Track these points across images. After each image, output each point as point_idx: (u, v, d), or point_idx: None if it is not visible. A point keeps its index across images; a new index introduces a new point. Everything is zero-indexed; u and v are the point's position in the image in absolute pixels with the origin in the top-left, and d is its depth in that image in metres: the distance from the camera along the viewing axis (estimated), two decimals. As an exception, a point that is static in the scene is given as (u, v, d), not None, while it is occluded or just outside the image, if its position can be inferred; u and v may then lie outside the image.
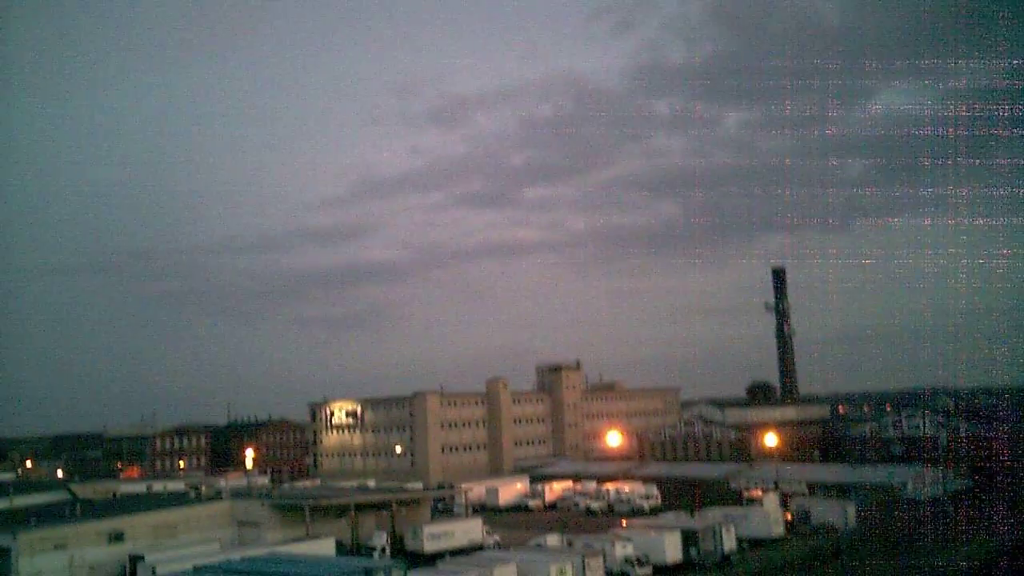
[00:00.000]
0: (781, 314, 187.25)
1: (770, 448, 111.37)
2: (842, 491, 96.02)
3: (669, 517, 72.55)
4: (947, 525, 75.58)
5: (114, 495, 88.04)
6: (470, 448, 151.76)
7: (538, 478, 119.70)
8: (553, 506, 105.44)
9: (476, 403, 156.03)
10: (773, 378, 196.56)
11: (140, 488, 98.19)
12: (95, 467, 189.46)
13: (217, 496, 77.97)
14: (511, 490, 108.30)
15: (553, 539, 63.71)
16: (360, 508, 71.90)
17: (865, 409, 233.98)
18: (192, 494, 79.52)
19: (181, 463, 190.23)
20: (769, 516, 71.23)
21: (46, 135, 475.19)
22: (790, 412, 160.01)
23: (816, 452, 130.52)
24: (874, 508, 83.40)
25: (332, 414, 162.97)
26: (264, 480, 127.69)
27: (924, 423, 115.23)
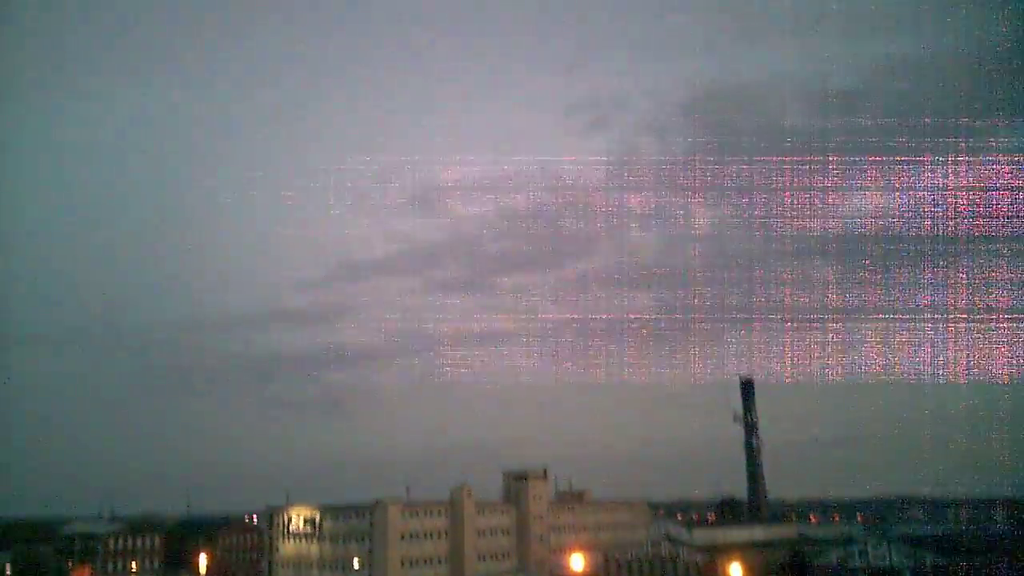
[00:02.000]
0: (749, 426, 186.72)
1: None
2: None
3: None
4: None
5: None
6: (431, 562, 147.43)
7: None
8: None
9: (439, 513, 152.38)
10: (741, 485, 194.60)
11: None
12: (46, 565, 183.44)
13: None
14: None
15: None
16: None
17: (834, 522, 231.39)
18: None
19: (134, 565, 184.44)
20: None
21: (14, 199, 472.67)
22: (758, 533, 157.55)
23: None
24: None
25: (290, 520, 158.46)
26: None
27: (890, 553, 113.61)
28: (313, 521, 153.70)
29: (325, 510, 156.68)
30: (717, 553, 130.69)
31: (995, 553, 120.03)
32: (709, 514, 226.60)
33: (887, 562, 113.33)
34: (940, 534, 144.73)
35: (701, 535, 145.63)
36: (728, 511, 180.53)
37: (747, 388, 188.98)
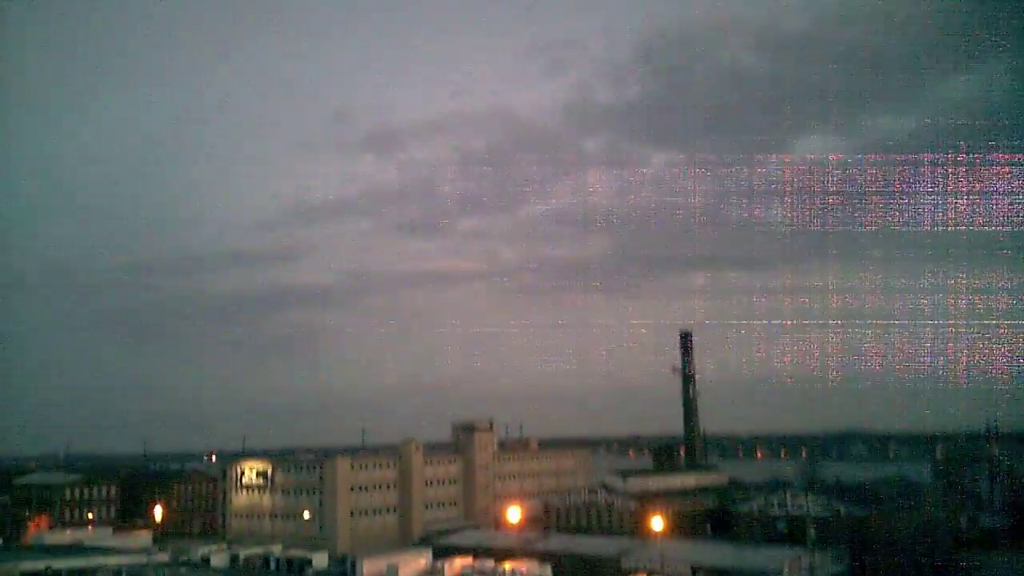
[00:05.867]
0: (687, 378, 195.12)
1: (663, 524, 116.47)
2: (722, 575, 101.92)
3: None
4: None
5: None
6: (380, 512, 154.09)
7: (442, 550, 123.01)
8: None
9: (388, 465, 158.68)
10: (682, 429, 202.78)
11: (41, 566, 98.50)
12: (2, 514, 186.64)
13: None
14: (411, 568, 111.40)
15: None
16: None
17: (762, 459, 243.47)
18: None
19: (90, 514, 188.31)
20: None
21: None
22: (690, 480, 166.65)
23: (708, 526, 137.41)
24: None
25: (243, 473, 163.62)
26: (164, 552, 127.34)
27: (808, 505, 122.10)
28: (265, 474, 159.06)
29: (277, 463, 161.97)
30: (648, 501, 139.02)
31: (905, 502, 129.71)
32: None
33: (805, 510, 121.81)
34: (861, 482, 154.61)
35: (635, 483, 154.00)
36: (666, 458, 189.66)
37: (686, 340, 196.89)
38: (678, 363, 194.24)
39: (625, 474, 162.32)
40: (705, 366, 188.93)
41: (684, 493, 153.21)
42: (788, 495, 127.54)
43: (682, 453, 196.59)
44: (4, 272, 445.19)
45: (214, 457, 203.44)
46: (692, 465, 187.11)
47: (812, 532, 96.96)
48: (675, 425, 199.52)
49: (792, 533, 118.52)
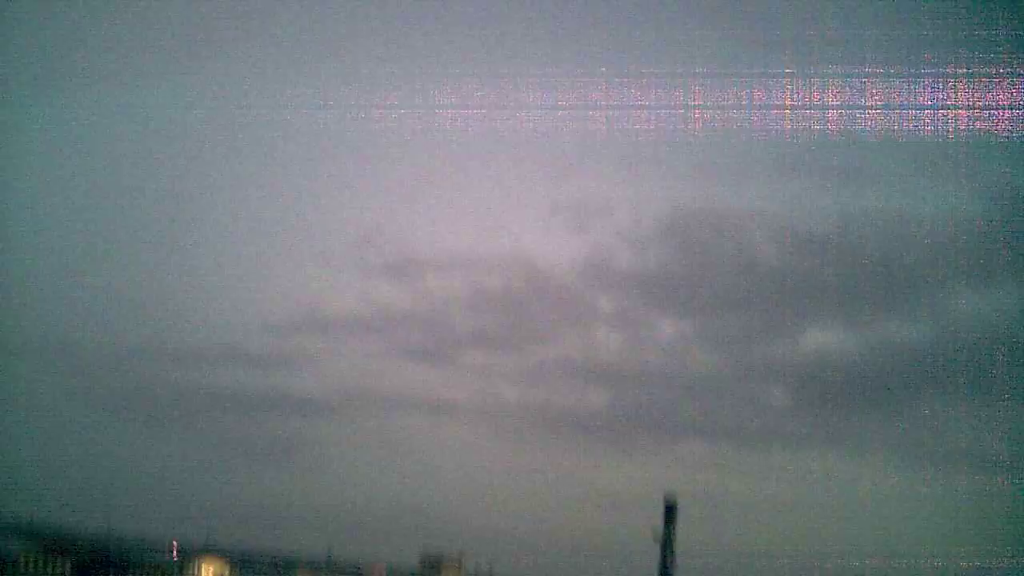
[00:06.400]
0: (667, 548, 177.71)
1: None
2: None
3: None
4: None
5: None
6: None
7: None
8: None
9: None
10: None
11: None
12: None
13: None
14: None
15: None
16: None
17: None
18: None
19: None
20: None
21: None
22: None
23: None
24: None
25: (199, 573, 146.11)
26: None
27: None
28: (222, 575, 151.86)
29: (234, 565, 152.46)
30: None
31: None
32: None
33: None
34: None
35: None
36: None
37: (670, 511, 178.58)
38: (659, 530, 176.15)
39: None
40: (686, 535, 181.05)
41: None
42: None
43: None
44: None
45: (175, 549, 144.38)
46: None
47: None
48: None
49: None
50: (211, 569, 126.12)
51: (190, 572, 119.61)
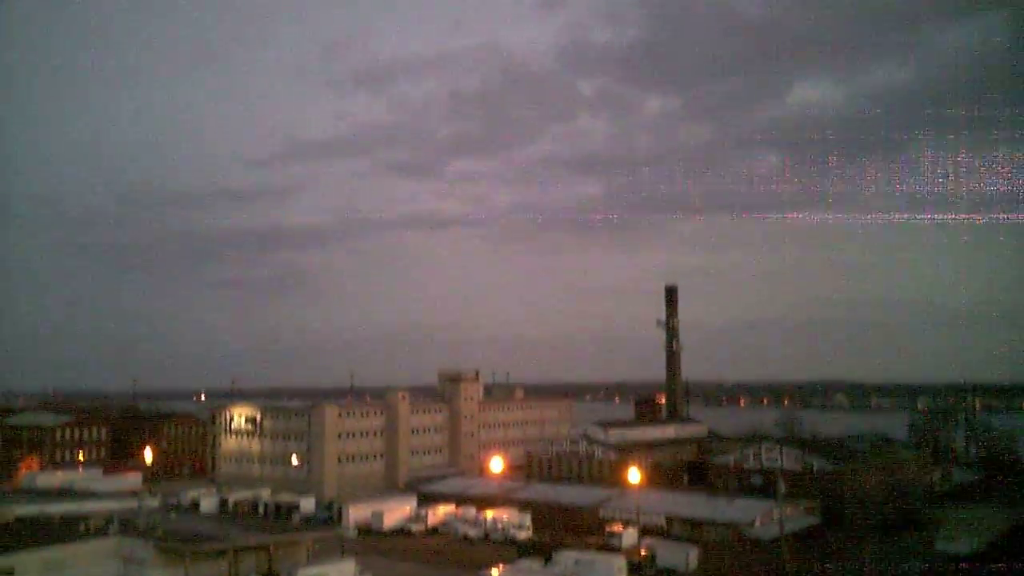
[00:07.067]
0: (671, 332, 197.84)
1: (641, 475, 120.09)
2: (696, 526, 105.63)
3: (523, 566, 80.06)
4: (778, 570, 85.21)
5: (7, 524, 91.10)
6: (367, 458, 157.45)
7: (426, 497, 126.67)
8: (435, 530, 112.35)
9: (375, 414, 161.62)
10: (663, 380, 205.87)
11: (34, 510, 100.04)
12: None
13: (105, 527, 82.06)
14: (396, 514, 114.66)
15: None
16: (240, 549, 77.36)
17: (764, 402, 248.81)
18: (82, 527, 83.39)
19: (81, 455, 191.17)
20: (613, 566, 79.35)
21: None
22: (670, 432, 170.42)
23: (685, 478, 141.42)
24: (715, 550, 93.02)
25: (232, 419, 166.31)
26: (155, 497, 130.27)
27: (782, 457, 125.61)
28: (254, 420, 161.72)
29: (265, 410, 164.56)
30: (628, 452, 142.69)
31: (879, 460, 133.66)
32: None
33: (779, 464, 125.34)
34: (837, 437, 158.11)
35: (616, 434, 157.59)
36: (647, 410, 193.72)
37: (671, 295, 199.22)
38: (662, 317, 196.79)
39: (607, 425, 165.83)
40: (693, 312, 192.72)
41: (664, 445, 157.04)
42: (764, 448, 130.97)
43: (663, 405, 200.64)
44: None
45: (203, 396, 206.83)
46: (673, 417, 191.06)
47: (782, 486, 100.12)
48: (661, 372, 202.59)
49: (766, 486, 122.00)
50: (243, 415, 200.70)
51: (223, 420, 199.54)
